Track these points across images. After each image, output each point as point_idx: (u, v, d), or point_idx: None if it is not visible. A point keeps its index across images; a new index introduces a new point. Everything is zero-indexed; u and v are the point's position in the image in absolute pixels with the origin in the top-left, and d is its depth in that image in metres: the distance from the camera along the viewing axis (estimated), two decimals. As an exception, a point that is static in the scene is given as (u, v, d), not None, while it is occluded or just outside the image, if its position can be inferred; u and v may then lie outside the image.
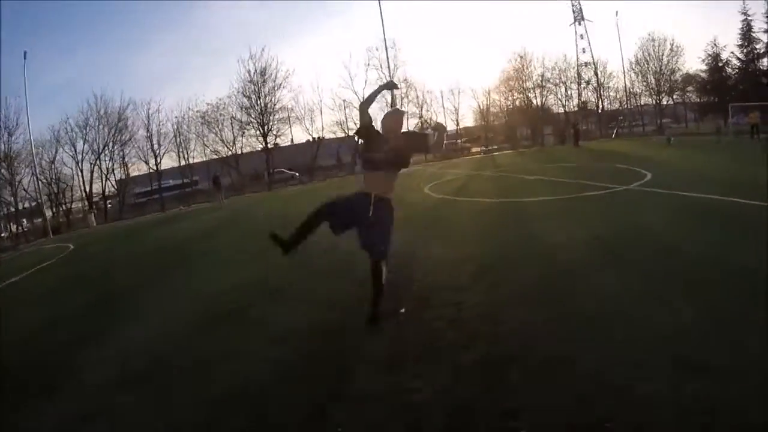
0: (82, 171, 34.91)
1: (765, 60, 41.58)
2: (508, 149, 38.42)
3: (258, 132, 37.26)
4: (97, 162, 34.91)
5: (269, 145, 37.56)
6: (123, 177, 36.64)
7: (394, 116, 4.16)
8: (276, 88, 37.14)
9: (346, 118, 38.68)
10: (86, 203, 34.96)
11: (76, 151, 34.58)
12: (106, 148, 35.04)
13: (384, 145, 3.84)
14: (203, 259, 8.57)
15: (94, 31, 61.06)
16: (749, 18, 41.28)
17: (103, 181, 35.59)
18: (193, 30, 69.97)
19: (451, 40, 77.82)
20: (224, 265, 7.66)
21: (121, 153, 35.86)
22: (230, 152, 37.23)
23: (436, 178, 14.64)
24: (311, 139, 38.82)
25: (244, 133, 37.37)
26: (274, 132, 37.79)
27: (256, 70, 36.58)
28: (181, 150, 36.96)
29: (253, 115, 37.05)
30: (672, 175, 11.08)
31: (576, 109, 46.83)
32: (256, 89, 36.70)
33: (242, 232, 11.75)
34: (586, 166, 15.22)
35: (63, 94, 61.96)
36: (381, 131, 3.99)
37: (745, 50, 42.25)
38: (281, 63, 40.25)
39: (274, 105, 37.31)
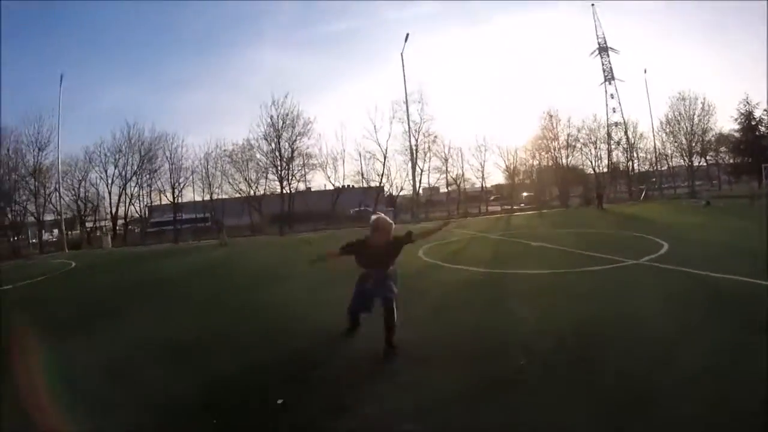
0: (110, 193, 37.07)
1: (801, 118, 40.03)
2: (532, 209, 37.19)
3: (276, 176, 37.48)
4: (124, 187, 36.92)
5: (291, 190, 38.07)
6: (147, 204, 38.50)
7: (383, 230, 4.62)
8: (296, 135, 37.63)
9: (366, 168, 39.13)
10: (105, 225, 37.02)
11: (107, 174, 36.84)
12: (135, 175, 37.09)
13: (373, 254, 4.61)
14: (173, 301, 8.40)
15: (134, 64, 65.87)
16: (782, 73, 40.14)
17: (127, 206, 37.48)
18: (231, 71, 73.48)
19: (480, 96, 79.11)
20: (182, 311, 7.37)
21: (149, 181, 37.70)
22: (252, 192, 37.78)
23: (439, 239, 13.67)
24: (333, 187, 38.61)
25: (266, 176, 37.96)
26: (297, 177, 38.25)
27: (278, 116, 37.24)
28: (204, 185, 38.11)
29: (271, 160, 37.45)
30: (692, 246, 9.93)
31: (606, 170, 45.60)
32: (277, 135, 37.12)
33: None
34: (601, 233, 14.08)
35: (102, 120, 67.30)
36: (371, 240, 4.63)
37: (779, 108, 40.83)
38: (303, 110, 39.92)
39: (293, 151, 37.62)
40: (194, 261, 15.95)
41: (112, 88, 65.46)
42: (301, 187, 39.26)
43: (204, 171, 38.01)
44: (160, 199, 38.60)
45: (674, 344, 4.04)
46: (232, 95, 77.59)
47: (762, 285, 5.82)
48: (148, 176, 37.58)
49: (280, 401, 3.40)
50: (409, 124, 33.40)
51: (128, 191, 37.33)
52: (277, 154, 37.23)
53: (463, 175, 41.75)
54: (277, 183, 37.91)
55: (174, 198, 37.75)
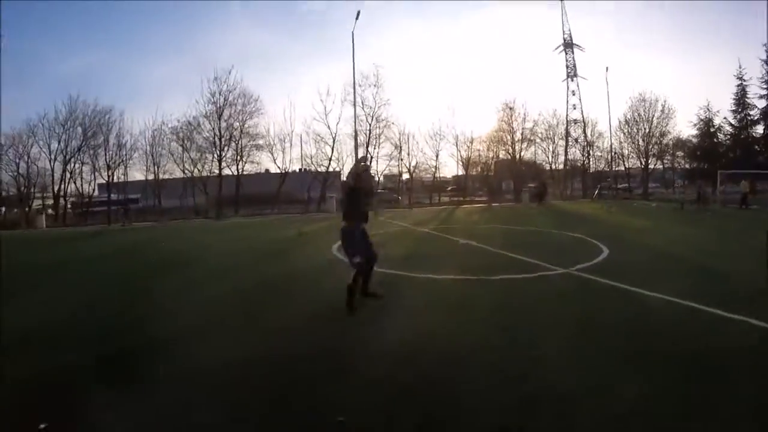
0: (53, 170, 34.08)
1: (759, 127, 40.31)
2: (483, 202, 36.12)
3: (214, 157, 34.67)
4: (66, 164, 34.00)
5: (239, 171, 35.49)
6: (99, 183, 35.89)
7: (368, 173, 6.11)
8: (239, 113, 34.89)
9: (315, 152, 36.65)
10: (44, 204, 34.20)
11: (50, 150, 33.80)
12: (79, 151, 34.19)
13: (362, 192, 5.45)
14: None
15: (88, 30, 60.65)
16: (744, 83, 40.22)
17: (66, 184, 34.59)
18: (190, 40, 69.06)
19: (441, 87, 77.52)
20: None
21: (93, 158, 34.61)
22: (196, 172, 35.09)
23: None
24: (279, 170, 36.35)
25: (205, 156, 35.01)
26: (241, 158, 35.45)
27: (219, 92, 34.28)
28: (149, 163, 35.30)
29: (211, 139, 34.60)
30: (634, 254, 8.63)
31: (563, 166, 45.07)
32: (218, 113, 34.29)
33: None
34: (542, 232, 12.82)
35: (52, 93, 62.48)
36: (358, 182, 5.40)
37: (738, 116, 41.00)
38: (249, 87, 38.02)
39: (235, 131, 34.93)
40: (82, 246, 13.88)
41: (65, 57, 60.20)
42: (251, 168, 36.67)
43: (148, 148, 35.07)
44: (111, 178, 35.53)
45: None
46: (187, 65, 73.28)
47: (698, 310, 4.62)
48: (92, 152, 34.48)
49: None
50: (354, 104, 31.29)
51: (69, 168, 34.37)
52: (217, 132, 34.31)
53: (416, 165, 40.17)
54: (224, 164, 35.26)
55: (110, 177, 34.63)
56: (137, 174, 36.35)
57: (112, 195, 34.01)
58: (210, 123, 34.21)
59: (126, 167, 35.30)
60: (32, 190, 34.21)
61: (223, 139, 34.28)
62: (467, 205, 33.07)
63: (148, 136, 35.04)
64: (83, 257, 11.19)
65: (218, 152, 34.30)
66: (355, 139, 30.91)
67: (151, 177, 35.67)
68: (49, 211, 32.91)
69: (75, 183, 35.13)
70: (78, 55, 60.91)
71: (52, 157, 33.81)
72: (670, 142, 43.39)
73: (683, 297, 5.06)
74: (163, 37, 68.26)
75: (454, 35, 79.85)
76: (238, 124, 35.00)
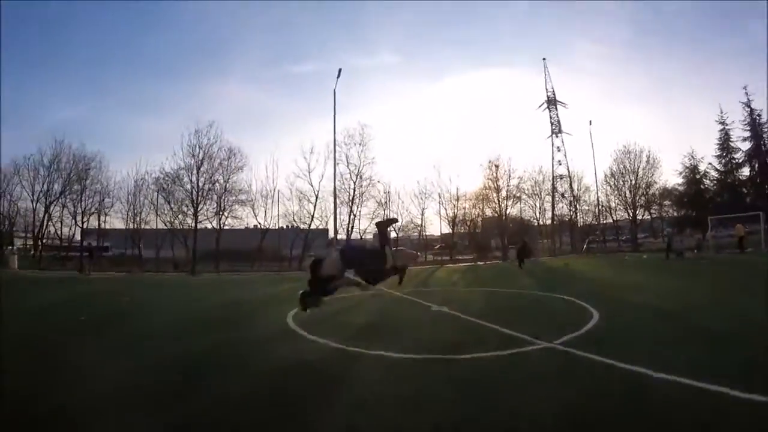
0: (35, 211, 34.51)
1: (745, 169, 40.48)
2: (469, 261, 35.11)
3: (189, 210, 33.79)
4: (47, 207, 34.26)
5: (221, 225, 34.95)
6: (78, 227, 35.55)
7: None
8: (216, 168, 34.60)
9: (297, 209, 36.37)
10: (21, 246, 34.48)
11: (33, 191, 34.17)
12: (62, 195, 34.40)
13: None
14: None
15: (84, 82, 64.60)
16: (727, 127, 40.76)
17: (44, 227, 34.72)
18: (186, 99, 71.85)
19: (426, 146, 78.64)
20: None
21: (76, 202, 34.74)
22: (177, 224, 34.56)
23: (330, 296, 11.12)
24: (259, 226, 35.47)
25: (182, 209, 34.48)
26: (222, 212, 35.00)
27: (198, 146, 34.05)
28: (130, 213, 35.33)
29: (188, 193, 34.03)
30: (626, 316, 7.60)
31: (550, 222, 44.61)
32: (196, 166, 33.90)
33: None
34: (526, 295, 11.75)
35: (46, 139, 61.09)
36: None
37: (723, 161, 41.25)
38: (230, 142, 36.60)
39: (212, 186, 34.46)
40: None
41: (61, 104, 62.94)
42: (233, 223, 35.99)
43: (130, 197, 35.30)
44: (85, 224, 35.50)
45: None
46: (172, 119, 75.03)
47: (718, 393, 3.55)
48: (75, 197, 34.66)
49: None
50: (335, 160, 31.16)
51: (51, 211, 34.65)
52: (195, 186, 33.79)
53: (403, 225, 39.42)
54: (203, 217, 34.66)
55: (83, 223, 34.82)
56: (117, 223, 36.40)
57: (91, 242, 33.54)
58: (189, 176, 33.70)
59: (105, 215, 35.47)
60: (12, 229, 34.14)
61: (201, 193, 33.67)
62: (452, 264, 32.03)
63: (130, 185, 34.62)
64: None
65: (194, 206, 33.32)
66: (335, 197, 30.31)
67: (132, 226, 35.41)
68: (24, 253, 32.80)
69: (54, 226, 35.21)
70: (70, 101, 63.93)
71: (35, 198, 33.93)
72: (657, 192, 43.41)
73: (692, 374, 4.01)
74: (153, 90, 70.83)
75: (440, 94, 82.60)
76: (221, 178, 34.84)
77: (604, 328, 6.63)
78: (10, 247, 32.99)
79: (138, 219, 35.57)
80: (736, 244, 24.38)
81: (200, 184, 33.64)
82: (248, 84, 79.75)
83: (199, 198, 33.70)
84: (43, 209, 34.22)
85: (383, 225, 5.85)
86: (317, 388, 4.35)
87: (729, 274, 14.66)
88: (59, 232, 35.44)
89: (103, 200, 35.04)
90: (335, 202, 30.62)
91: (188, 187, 33.79)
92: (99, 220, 35.42)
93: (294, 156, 42.83)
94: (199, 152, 33.87)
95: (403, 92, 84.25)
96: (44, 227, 34.76)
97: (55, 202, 34.32)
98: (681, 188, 43.46)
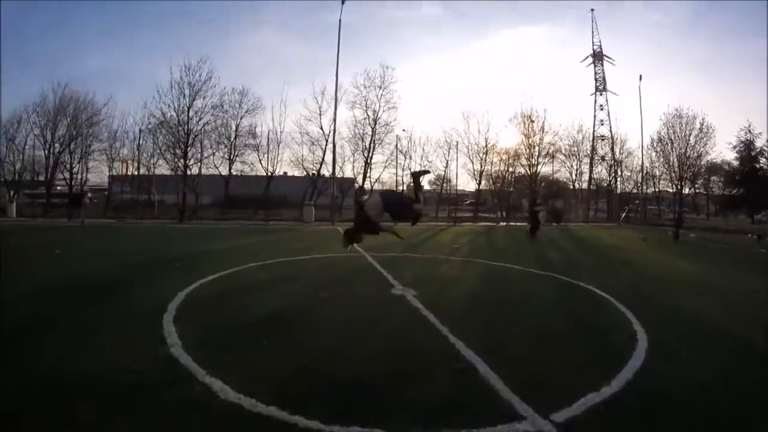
0: (46, 159, 32.53)
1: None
2: (492, 221, 31.75)
3: (176, 154, 30.67)
4: (50, 153, 32.12)
5: (233, 172, 32.05)
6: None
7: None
8: (206, 108, 30.81)
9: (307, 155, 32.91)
10: (11, 194, 31.69)
11: (44, 139, 31.84)
12: (72, 141, 32.01)
13: None
14: None
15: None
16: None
17: (48, 174, 32.70)
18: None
19: (453, 94, 73.21)
20: None
21: (84, 148, 32.25)
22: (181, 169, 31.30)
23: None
24: (266, 174, 32.48)
25: (162, 153, 31.34)
26: (235, 157, 31.88)
27: (189, 84, 30.13)
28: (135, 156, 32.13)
29: (175, 134, 30.51)
30: (695, 349, 4.46)
31: (586, 186, 40.31)
32: (186, 105, 30.15)
33: None
34: (531, 276, 8.62)
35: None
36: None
37: (784, 138, 35.91)
38: (219, 78, 32.33)
39: (210, 127, 31.17)
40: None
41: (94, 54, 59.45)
42: (245, 169, 32.94)
43: (135, 141, 31.82)
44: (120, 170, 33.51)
45: None
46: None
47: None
48: (80, 142, 32.01)
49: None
50: (336, 99, 27.79)
51: (53, 157, 32.32)
52: (182, 127, 30.15)
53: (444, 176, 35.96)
54: (205, 163, 31.82)
55: (71, 169, 32.22)
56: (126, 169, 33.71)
57: (77, 189, 31.40)
58: (177, 116, 30.25)
59: (112, 160, 32.79)
60: (19, 177, 32.31)
61: (190, 135, 30.35)
62: (470, 224, 28.72)
63: (136, 130, 31.99)
64: None
65: (183, 150, 30.31)
66: (333, 143, 27.23)
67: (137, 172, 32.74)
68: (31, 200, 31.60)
69: (63, 174, 32.84)
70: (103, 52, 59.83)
71: (45, 146, 31.96)
72: (704, 165, 38.30)
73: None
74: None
75: (478, 51, 76.79)
76: (232, 122, 31.64)
77: (658, 376, 3.60)
78: (9, 195, 31.01)
79: (148, 164, 32.59)
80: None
81: (190, 126, 30.14)
82: (279, 33, 75.33)
83: (192, 140, 30.37)
84: (46, 155, 32.24)
85: (417, 175, 6.02)
86: None
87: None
88: (69, 180, 32.86)
89: (112, 146, 32.53)
90: (334, 146, 27.44)
91: (179, 130, 30.35)
92: (110, 167, 33.16)
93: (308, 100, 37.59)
94: (185, 89, 30.04)
95: (438, 47, 78.31)
96: (48, 174, 32.74)
97: (63, 150, 32.12)
98: (729, 165, 38.34)
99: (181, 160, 30.41)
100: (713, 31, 68.84)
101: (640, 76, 37.03)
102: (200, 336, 4.25)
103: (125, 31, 62.40)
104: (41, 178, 33.61)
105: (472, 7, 77.29)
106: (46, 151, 32.06)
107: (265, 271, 7.90)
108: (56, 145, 31.96)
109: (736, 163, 37.96)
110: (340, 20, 25.46)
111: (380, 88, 32.90)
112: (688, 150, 37.03)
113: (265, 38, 74.61)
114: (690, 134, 36.83)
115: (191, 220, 25.70)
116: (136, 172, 32.95)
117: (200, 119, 30.54)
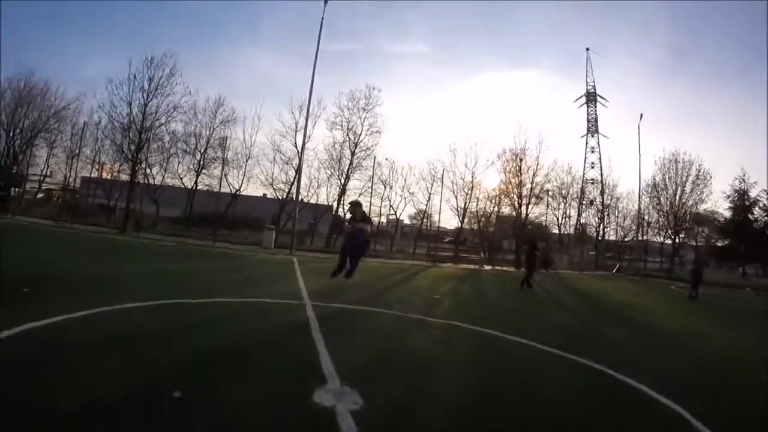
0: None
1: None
2: (474, 263, 28.97)
3: (127, 157, 27.21)
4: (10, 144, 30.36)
5: (199, 186, 30.01)
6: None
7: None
8: (167, 108, 27.59)
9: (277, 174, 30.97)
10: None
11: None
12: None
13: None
14: None
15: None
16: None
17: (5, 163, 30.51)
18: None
19: (440, 128, 72.00)
20: None
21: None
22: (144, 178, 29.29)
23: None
24: (231, 191, 30.23)
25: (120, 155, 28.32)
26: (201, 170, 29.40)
27: (149, 78, 26.51)
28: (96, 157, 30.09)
29: (128, 138, 27.03)
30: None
31: (573, 230, 38.17)
32: (143, 102, 26.58)
33: None
34: (530, 356, 5.62)
35: None
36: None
37: (778, 189, 34.42)
38: (182, 75, 27.93)
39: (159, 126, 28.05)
40: None
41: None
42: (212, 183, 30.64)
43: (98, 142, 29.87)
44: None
45: None
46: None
47: None
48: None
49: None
50: (307, 113, 25.66)
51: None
52: (135, 125, 26.64)
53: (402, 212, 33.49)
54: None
55: (7, 162, 30.32)
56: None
57: None
58: (130, 111, 26.79)
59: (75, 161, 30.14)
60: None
61: (142, 135, 26.86)
62: (451, 265, 25.82)
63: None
64: None
65: (133, 151, 26.86)
66: (300, 163, 24.66)
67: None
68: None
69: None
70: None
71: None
72: (690, 213, 36.10)
73: None
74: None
75: (467, 90, 76.48)
76: (204, 131, 29.64)
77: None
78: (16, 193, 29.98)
79: (112, 167, 30.43)
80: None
81: (145, 125, 26.53)
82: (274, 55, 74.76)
83: (143, 142, 26.71)
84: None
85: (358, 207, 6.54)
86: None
87: None
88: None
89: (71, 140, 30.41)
90: (300, 162, 24.73)
91: (131, 128, 26.86)
92: (68, 164, 30.85)
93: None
94: (149, 87, 26.46)
95: (427, 83, 77.95)
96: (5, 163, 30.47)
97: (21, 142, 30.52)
98: (726, 214, 36.62)
99: (129, 162, 27.24)
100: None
101: (641, 114, 35.26)
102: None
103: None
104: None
105: (460, 51, 77.11)
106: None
107: (131, 321, 4.86)
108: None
109: (727, 214, 36.37)
110: (322, 20, 23.09)
111: (364, 110, 30.76)
112: (683, 197, 35.19)
113: (244, 48, 73.96)
114: (686, 180, 35.07)
115: (139, 231, 22.44)
116: (108, 176, 31.06)
117: (157, 119, 27.46)
